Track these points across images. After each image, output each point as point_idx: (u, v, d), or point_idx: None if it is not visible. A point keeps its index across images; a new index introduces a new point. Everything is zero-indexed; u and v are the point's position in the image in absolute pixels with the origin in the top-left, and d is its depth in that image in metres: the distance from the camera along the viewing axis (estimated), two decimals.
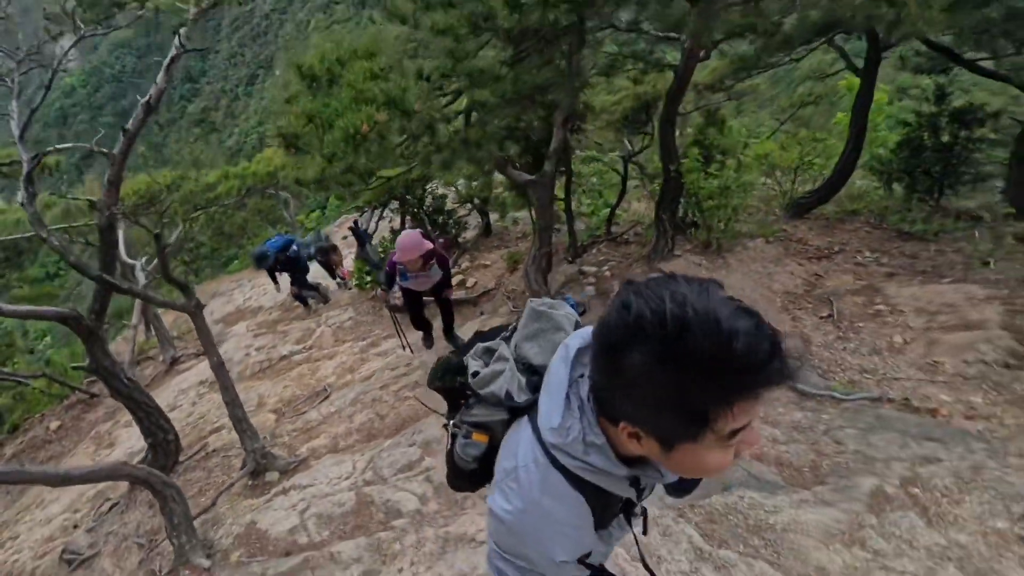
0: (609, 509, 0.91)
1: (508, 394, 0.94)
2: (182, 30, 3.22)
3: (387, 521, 3.17)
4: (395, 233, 8.14)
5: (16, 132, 3.38)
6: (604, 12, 2.69)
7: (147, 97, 3.41)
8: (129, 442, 5.92)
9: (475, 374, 1.01)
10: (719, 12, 3.05)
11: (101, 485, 5.15)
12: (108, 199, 3.47)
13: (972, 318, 3.81)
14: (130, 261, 6.03)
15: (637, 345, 0.66)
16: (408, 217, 7.65)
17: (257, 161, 8.90)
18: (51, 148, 3.58)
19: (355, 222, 5.91)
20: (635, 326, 0.66)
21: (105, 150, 3.49)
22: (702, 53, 4.58)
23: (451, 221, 7.77)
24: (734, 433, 0.69)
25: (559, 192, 5.91)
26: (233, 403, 3.76)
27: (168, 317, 9.43)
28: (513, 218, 8.34)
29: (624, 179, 5.94)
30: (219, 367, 3.73)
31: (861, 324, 4.17)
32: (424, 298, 4.68)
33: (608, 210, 6.02)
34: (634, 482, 0.86)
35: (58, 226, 5.41)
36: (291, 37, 61.41)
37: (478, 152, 2.82)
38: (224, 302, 10.69)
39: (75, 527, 4.64)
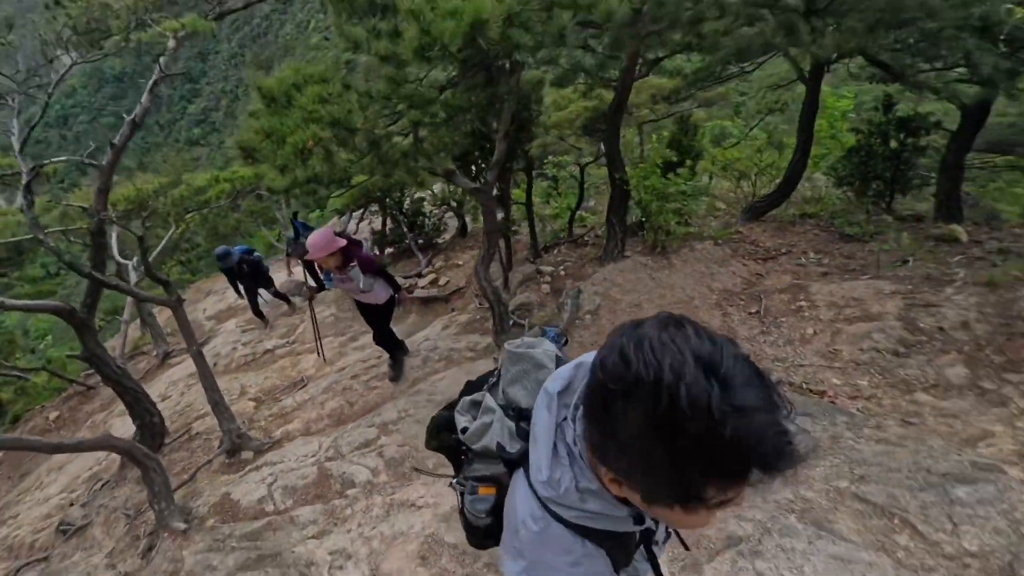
0: (626, 546, 0.88)
1: (500, 446, 0.93)
2: (161, 59, 3.65)
3: (343, 491, 3.59)
4: (375, 234, 8.58)
5: (16, 147, 3.81)
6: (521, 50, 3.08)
7: (132, 116, 3.84)
8: (122, 430, 6.35)
9: (464, 430, 1.01)
10: (639, 35, 3.43)
11: (95, 468, 5.60)
12: (98, 205, 3.90)
13: (874, 310, 4.22)
14: (123, 261, 6.46)
15: (631, 406, 0.62)
16: (388, 219, 8.08)
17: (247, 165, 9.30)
18: (47, 161, 4.01)
19: (295, 214, 6.17)
20: (631, 386, 0.62)
21: (95, 162, 3.92)
22: (642, 70, 4.99)
23: (429, 223, 8.20)
24: (722, 503, 0.67)
25: (522, 196, 6.34)
26: (211, 388, 4.18)
27: (163, 316, 9.89)
28: None
29: (581, 184, 6.35)
30: (198, 355, 4.15)
31: (783, 319, 4.59)
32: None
33: (569, 214, 6.43)
34: (639, 519, 0.83)
35: (55, 228, 5.85)
36: (291, 37, 61.88)
37: (415, 164, 3.24)
38: (217, 300, 11.14)
39: (71, 505, 5.07)
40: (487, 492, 0.99)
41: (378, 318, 4.61)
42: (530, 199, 5.91)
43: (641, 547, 0.92)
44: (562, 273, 5.58)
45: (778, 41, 4.69)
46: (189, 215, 8.72)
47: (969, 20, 4.45)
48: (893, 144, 7.06)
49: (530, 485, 0.83)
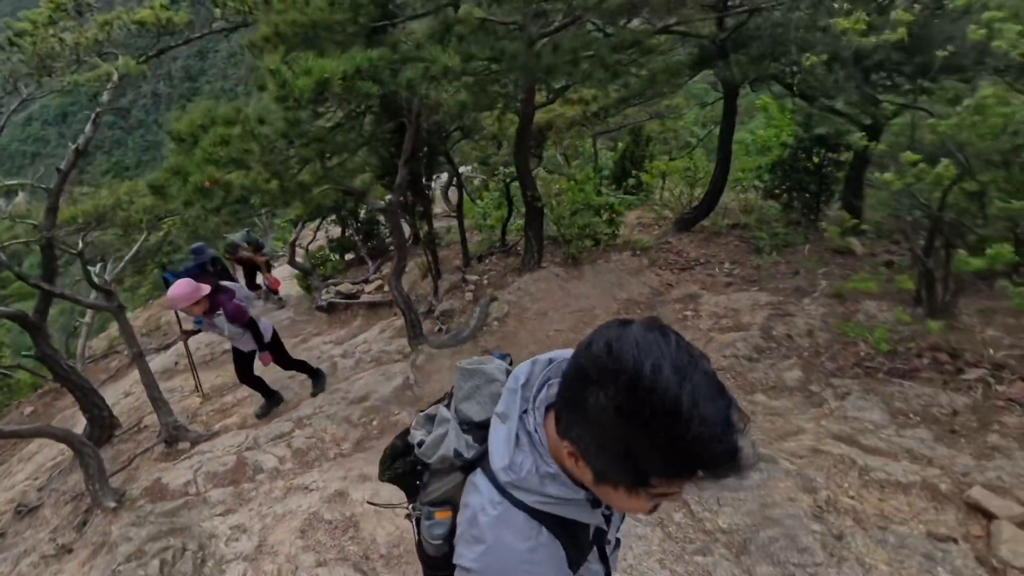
0: (581, 542, 0.91)
1: (456, 452, 0.94)
2: (103, 98, 4.15)
3: (253, 476, 4.10)
4: (331, 243, 9.09)
5: None
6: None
7: (76, 145, 4.35)
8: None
9: (420, 443, 1.01)
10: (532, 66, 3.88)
11: (59, 457, 6.12)
12: (47, 223, 4.41)
13: (744, 320, 4.70)
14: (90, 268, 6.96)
15: (604, 387, 0.68)
16: (344, 228, 8.58)
17: None
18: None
19: (163, 265, 6.17)
20: (611, 373, 0.67)
21: (44, 186, 4.43)
22: (549, 97, 5.47)
23: (385, 232, 8.70)
24: (663, 495, 0.73)
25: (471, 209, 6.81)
26: (150, 385, 4.69)
27: (137, 321, 10.45)
28: (446, 227, 9.26)
29: (508, 198, 6.85)
30: (138, 356, 4.67)
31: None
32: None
33: (502, 225, 6.93)
34: (596, 503, 0.87)
35: (21, 240, 6.40)
36: None
37: (308, 194, 3.73)
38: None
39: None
40: (443, 516, 0.99)
41: (241, 361, 4.68)
42: (461, 212, 6.40)
43: (595, 548, 0.95)
44: (485, 282, 6.07)
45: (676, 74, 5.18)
46: (162, 221, 9.26)
47: (841, 52, 4.90)
48: (816, 159, 7.51)
49: (489, 477, 0.86)
